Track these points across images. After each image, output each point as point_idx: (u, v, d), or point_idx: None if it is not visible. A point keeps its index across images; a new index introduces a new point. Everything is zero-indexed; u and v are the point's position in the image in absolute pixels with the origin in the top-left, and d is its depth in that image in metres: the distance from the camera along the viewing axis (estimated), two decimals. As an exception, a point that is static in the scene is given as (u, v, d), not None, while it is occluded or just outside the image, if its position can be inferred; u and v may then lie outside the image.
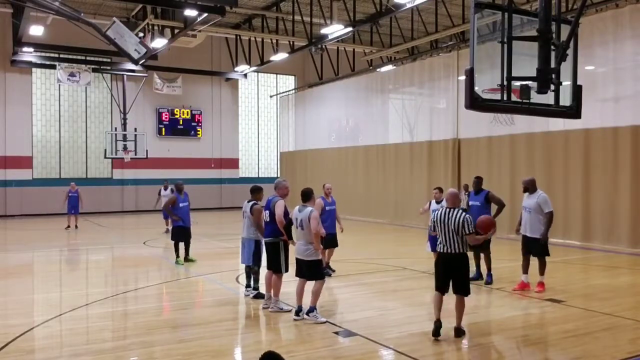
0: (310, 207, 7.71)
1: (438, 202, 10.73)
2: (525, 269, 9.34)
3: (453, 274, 6.84)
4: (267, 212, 8.25)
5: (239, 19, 25.20)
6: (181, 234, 12.42)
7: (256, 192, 9.02)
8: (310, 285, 7.68)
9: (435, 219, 6.97)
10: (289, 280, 8.39)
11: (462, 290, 6.89)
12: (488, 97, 5.59)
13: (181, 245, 12.49)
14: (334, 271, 11.03)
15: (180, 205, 12.34)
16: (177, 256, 12.39)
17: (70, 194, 20.39)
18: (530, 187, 9.22)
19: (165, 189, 19.18)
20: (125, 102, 26.19)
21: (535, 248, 9.13)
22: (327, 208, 10.57)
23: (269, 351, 3.65)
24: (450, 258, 6.81)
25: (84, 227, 21.68)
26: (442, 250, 6.90)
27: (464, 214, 6.76)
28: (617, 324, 7.45)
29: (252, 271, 9.15)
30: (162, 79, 26.79)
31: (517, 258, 9.47)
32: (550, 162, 15.75)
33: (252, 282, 9.17)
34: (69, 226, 20.33)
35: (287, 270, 8.16)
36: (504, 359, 6.59)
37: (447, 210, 6.89)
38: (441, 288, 6.98)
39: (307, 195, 7.85)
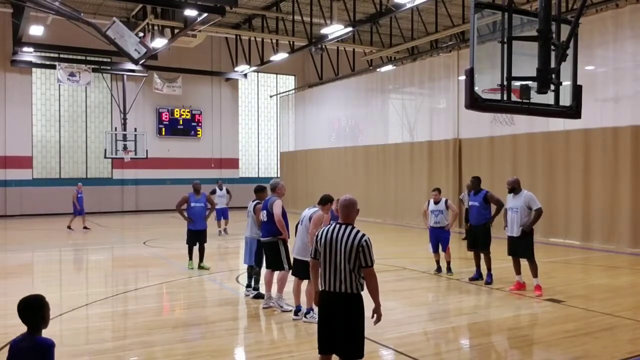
0: (317, 208, 7.70)
1: (436, 204, 10.74)
2: (517, 270, 9.38)
3: (339, 323, 4.54)
4: (265, 211, 8.26)
5: (239, 19, 25.20)
6: (191, 237, 11.65)
7: (260, 192, 9.04)
8: (305, 284, 7.68)
9: (319, 239, 4.67)
10: (288, 281, 8.38)
11: (351, 350, 4.56)
12: (488, 97, 5.59)
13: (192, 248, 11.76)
14: None
15: (192, 205, 11.56)
16: (190, 258, 11.75)
17: (79, 195, 19.98)
18: (515, 187, 9.26)
19: (220, 188, 18.32)
20: (125, 102, 26.16)
21: (520, 248, 9.15)
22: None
23: (27, 297, 3.59)
24: (336, 300, 4.56)
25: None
26: (325, 288, 4.61)
27: (363, 235, 4.49)
28: (616, 324, 7.46)
29: (253, 271, 9.16)
30: (162, 79, 26.78)
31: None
32: (551, 162, 15.76)
33: (252, 282, 9.18)
34: (85, 227, 19.95)
35: (290, 267, 8.11)
36: (504, 359, 6.59)
37: (338, 226, 4.61)
38: (327, 347, 4.66)
39: (323, 200, 7.84)
